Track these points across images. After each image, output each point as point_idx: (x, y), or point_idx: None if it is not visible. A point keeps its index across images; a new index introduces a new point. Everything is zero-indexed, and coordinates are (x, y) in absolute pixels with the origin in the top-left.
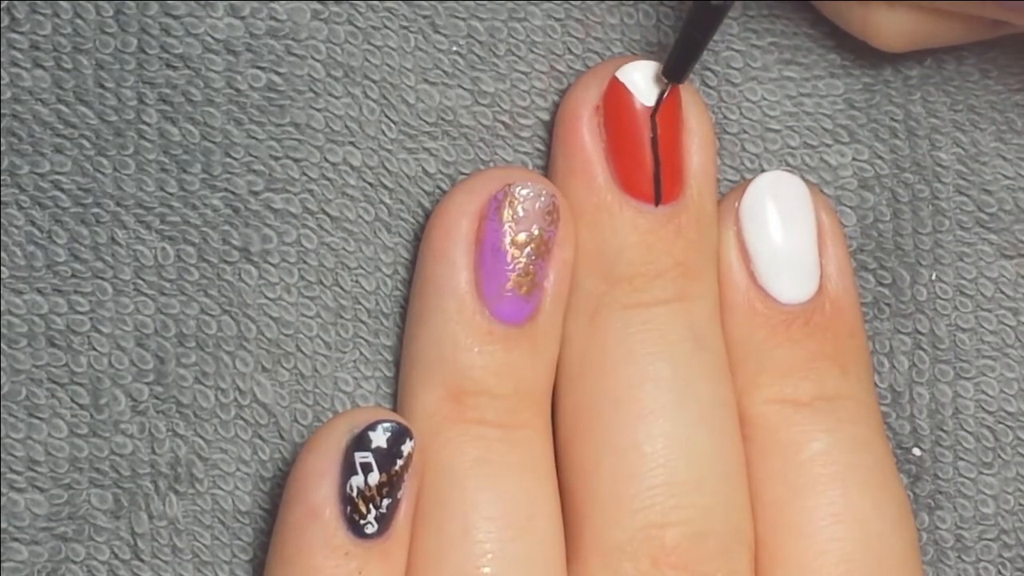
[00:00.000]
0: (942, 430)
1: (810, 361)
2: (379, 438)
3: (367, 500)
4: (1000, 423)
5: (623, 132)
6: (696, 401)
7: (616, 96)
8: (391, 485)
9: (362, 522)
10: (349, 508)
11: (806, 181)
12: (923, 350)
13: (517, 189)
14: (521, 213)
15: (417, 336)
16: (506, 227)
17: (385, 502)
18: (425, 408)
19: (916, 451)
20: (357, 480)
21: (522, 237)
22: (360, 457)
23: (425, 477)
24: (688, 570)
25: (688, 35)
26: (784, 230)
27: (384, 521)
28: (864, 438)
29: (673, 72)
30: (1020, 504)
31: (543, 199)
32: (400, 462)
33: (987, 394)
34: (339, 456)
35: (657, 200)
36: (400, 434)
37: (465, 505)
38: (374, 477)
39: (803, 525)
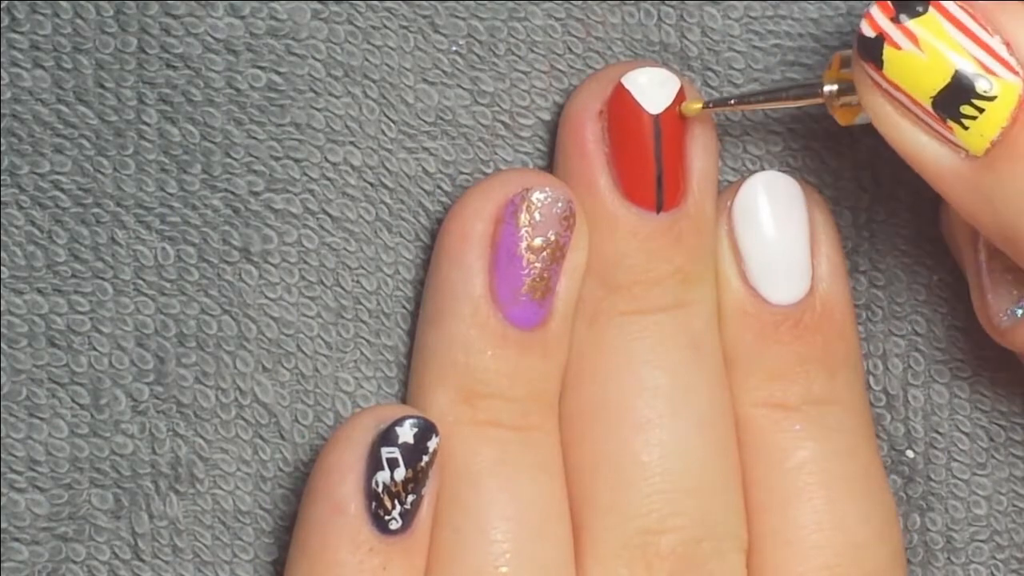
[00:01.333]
0: (937, 432)
1: (799, 364)
2: (406, 433)
3: (392, 496)
4: (994, 423)
5: (626, 138)
6: (694, 410)
7: (620, 102)
8: (416, 481)
9: (387, 518)
10: (374, 504)
11: (801, 181)
12: (919, 352)
13: (534, 194)
14: (538, 218)
15: (430, 338)
16: (522, 232)
17: (410, 498)
18: (438, 409)
19: (910, 453)
20: (383, 476)
21: (538, 242)
22: (387, 452)
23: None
24: (682, 575)
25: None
26: (776, 229)
27: (408, 517)
28: (851, 445)
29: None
30: (1013, 505)
31: (560, 204)
32: (426, 458)
33: (982, 394)
34: (365, 451)
35: (659, 207)
36: (427, 430)
37: (482, 505)
38: (400, 473)
39: (787, 533)
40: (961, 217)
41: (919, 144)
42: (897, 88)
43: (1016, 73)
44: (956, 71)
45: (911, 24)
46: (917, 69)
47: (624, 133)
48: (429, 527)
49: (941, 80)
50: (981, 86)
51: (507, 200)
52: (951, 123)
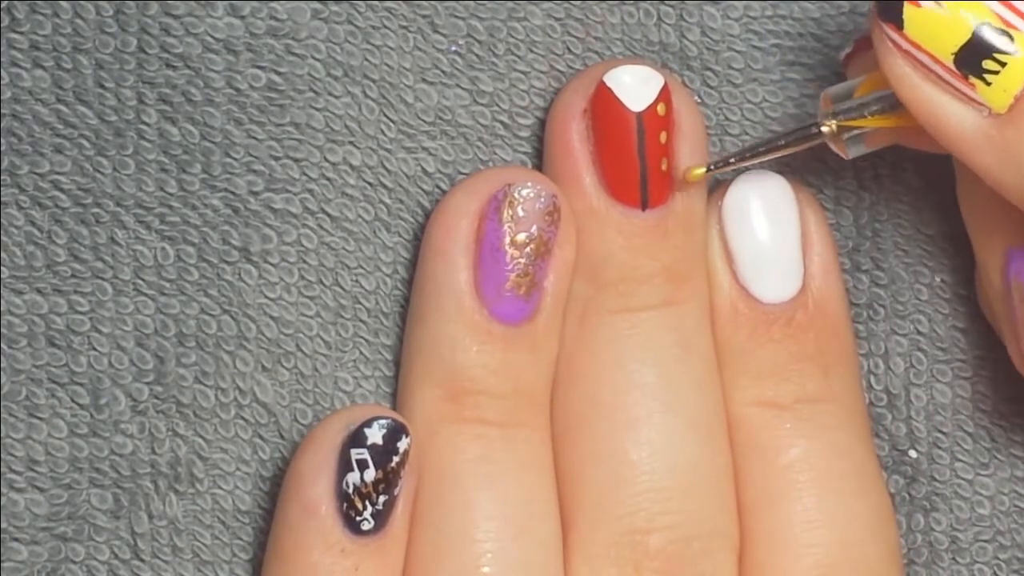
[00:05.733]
0: (940, 431)
1: (791, 362)
2: (375, 435)
3: (363, 497)
4: (996, 423)
5: (610, 136)
6: (683, 408)
7: (603, 100)
8: (387, 482)
9: (358, 519)
10: (345, 505)
11: (793, 180)
12: (921, 351)
13: (517, 189)
14: (521, 213)
15: (416, 335)
16: (505, 227)
17: (381, 499)
18: (424, 407)
19: (912, 453)
20: (353, 477)
21: (521, 237)
22: (356, 454)
23: (424, 476)
24: (671, 574)
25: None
26: (766, 229)
27: (381, 518)
28: (844, 444)
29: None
30: (1016, 505)
31: (543, 199)
32: (396, 459)
33: (984, 393)
34: (335, 453)
35: (644, 204)
36: (396, 431)
37: (465, 504)
38: (370, 474)
39: (779, 532)
40: (990, 270)
41: (940, 106)
42: (918, 47)
43: None
44: (977, 26)
45: None
46: (938, 25)
47: (607, 131)
48: (405, 527)
49: (962, 36)
50: (1002, 40)
51: (490, 196)
52: (973, 79)
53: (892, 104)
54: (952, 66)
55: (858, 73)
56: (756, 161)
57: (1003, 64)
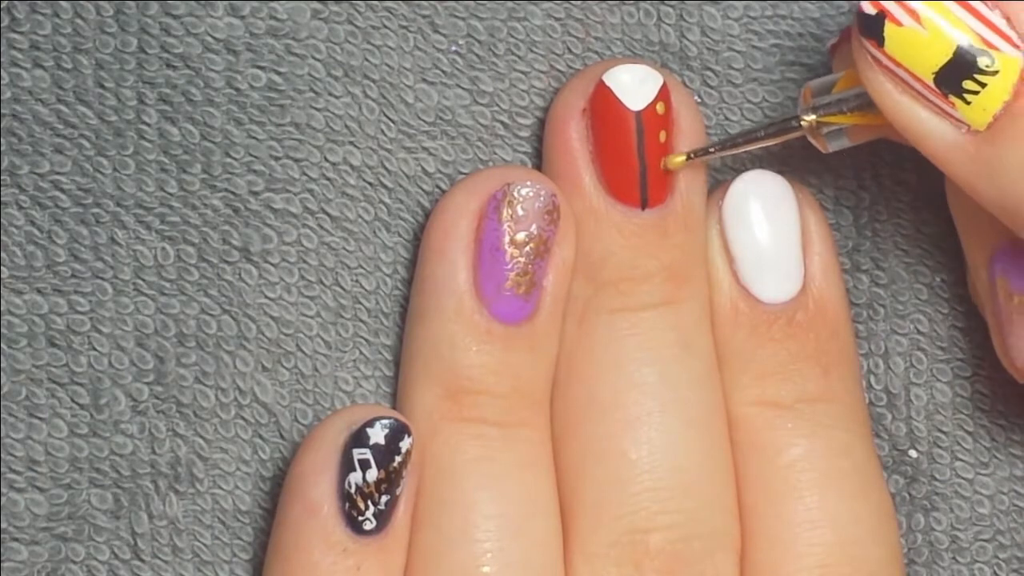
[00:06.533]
0: (940, 431)
1: (791, 362)
2: (377, 435)
3: (365, 497)
4: (995, 423)
5: (609, 136)
6: (683, 407)
7: (602, 99)
8: (389, 482)
9: (360, 519)
10: (347, 505)
11: (793, 180)
12: (921, 351)
13: (516, 188)
14: (520, 212)
15: (416, 335)
16: (505, 226)
17: (383, 499)
18: (424, 407)
19: (912, 453)
20: (355, 477)
21: (521, 236)
22: (358, 454)
23: (424, 476)
24: (672, 574)
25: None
26: (766, 229)
27: (382, 518)
28: (844, 443)
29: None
30: (1016, 504)
31: (542, 198)
32: (398, 459)
33: (983, 393)
34: (337, 453)
35: (644, 204)
36: (398, 431)
37: (465, 504)
38: (372, 474)
39: (779, 531)
40: (977, 267)
41: (920, 120)
42: (898, 64)
43: (1017, 47)
44: (958, 47)
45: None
46: (919, 45)
47: (607, 130)
48: (407, 527)
49: (943, 56)
50: (983, 61)
51: (490, 195)
52: (953, 98)
53: (871, 101)
54: (932, 85)
55: (844, 63)
56: (736, 151)
57: (983, 84)
